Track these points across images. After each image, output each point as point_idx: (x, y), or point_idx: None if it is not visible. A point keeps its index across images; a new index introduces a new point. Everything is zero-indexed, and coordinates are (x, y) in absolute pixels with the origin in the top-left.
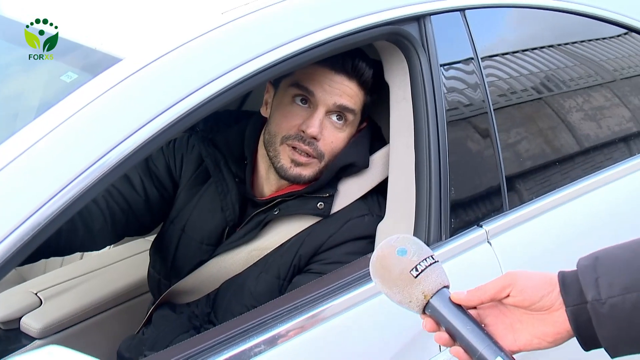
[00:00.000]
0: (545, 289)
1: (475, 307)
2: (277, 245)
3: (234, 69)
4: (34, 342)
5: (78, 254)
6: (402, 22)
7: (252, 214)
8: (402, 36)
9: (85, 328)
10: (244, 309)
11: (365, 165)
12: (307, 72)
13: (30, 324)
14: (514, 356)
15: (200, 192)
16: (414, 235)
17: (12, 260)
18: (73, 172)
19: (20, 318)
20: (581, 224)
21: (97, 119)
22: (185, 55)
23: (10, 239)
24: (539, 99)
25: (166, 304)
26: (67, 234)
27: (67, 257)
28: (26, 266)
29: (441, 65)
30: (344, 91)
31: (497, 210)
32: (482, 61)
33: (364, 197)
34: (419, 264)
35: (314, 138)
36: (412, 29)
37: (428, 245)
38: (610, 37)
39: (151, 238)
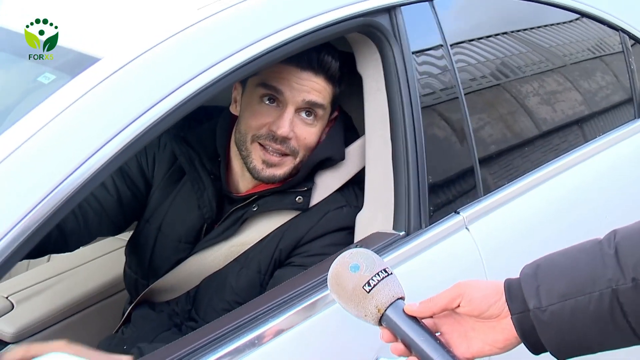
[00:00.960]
0: (492, 297)
1: (431, 317)
2: (257, 241)
3: (211, 67)
4: (7, 347)
5: (44, 258)
6: (374, 14)
7: (230, 211)
8: (374, 27)
9: (60, 330)
10: (226, 304)
11: (342, 158)
12: (273, 71)
13: (3, 328)
14: None
15: (175, 191)
16: (394, 225)
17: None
18: (58, 176)
19: None
20: (554, 206)
21: (80, 120)
22: (164, 53)
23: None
24: (505, 83)
25: (144, 303)
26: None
27: (33, 260)
28: None
29: (413, 54)
30: (312, 87)
31: (472, 196)
32: (451, 48)
33: (340, 189)
34: (372, 278)
35: (286, 137)
36: (383, 20)
37: (408, 234)
38: (565, 22)
39: (122, 236)
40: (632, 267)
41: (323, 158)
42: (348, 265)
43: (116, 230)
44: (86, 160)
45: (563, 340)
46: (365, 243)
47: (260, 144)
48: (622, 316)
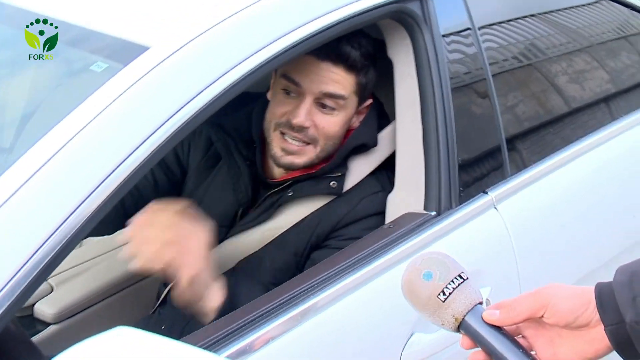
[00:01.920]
0: (580, 309)
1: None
2: (292, 224)
3: (254, 53)
4: (48, 328)
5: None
6: (405, 0)
7: (265, 196)
8: (406, 14)
9: (98, 311)
10: (262, 286)
11: (375, 144)
12: (294, 63)
13: (44, 310)
14: None
15: (211, 176)
16: (425, 205)
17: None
18: (115, 160)
19: (34, 305)
20: (582, 184)
21: (134, 105)
22: (210, 40)
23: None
24: (531, 63)
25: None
26: None
27: None
28: None
29: (442, 38)
30: (330, 78)
31: (500, 176)
32: (479, 31)
33: (374, 174)
34: (446, 287)
35: (302, 126)
36: (414, 6)
37: (439, 213)
38: (589, 4)
39: None
40: None
41: (358, 144)
42: (420, 274)
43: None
44: (139, 146)
45: None
46: (398, 223)
47: (281, 132)
48: None
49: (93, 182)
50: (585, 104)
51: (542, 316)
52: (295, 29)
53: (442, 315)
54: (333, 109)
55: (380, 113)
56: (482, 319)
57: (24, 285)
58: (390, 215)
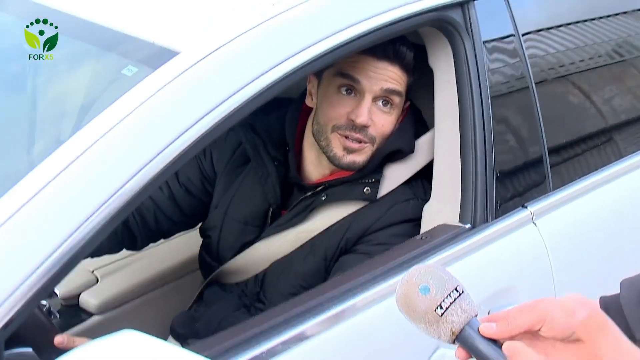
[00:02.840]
0: (575, 325)
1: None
2: (324, 228)
3: (286, 60)
4: (92, 318)
5: None
6: (447, 9)
7: (299, 199)
8: (447, 22)
9: (140, 304)
10: (292, 288)
11: (411, 150)
12: (350, 61)
13: (89, 300)
14: None
15: (241, 176)
16: (460, 217)
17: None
18: (141, 161)
19: (79, 295)
20: (625, 204)
21: (163, 109)
22: (239, 47)
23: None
24: (578, 73)
25: (216, 283)
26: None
27: None
28: None
29: (484, 45)
30: (388, 76)
31: (541, 190)
32: (523, 38)
33: (408, 182)
34: (443, 301)
35: (365, 126)
36: (456, 15)
37: (474, 226)
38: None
39: None
40: None
41: (393, 150)
42: (417, 287)
43: (181, 227)
44: (166, 148)
45: None
46: (431, 235)
47: (341, 134)
48: None
49: (120, 180)
50: (635, 118)
51: (539, 329)
52: (331, 35)
53: (439, 329)
54: (391, 107)
55: (418, 120)
56: (479, 331)
57: (49, 276)
58: (426, 225)
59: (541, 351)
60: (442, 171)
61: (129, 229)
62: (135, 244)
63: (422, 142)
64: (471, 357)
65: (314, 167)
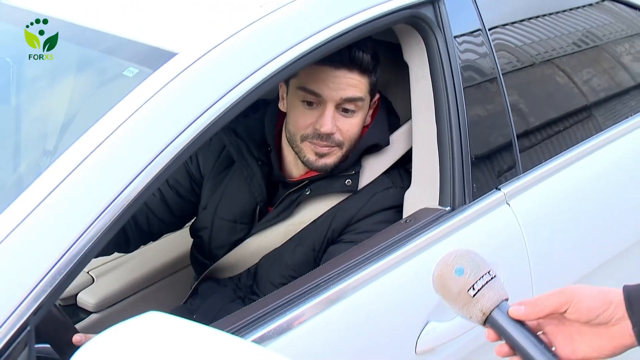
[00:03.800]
0: (602, 307)
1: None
2: (311, 221)
3: (271, 60)
4: (90, 316)
5: None
6: (419, 6)
7: (284, 195)
8: (420, 18)
9: (135, 301)
10: (283, 279)
11: (387, 143)
12: (310, 74)
13: (86, 299)
14: None
15: (228, 178)
16: (440, 201)
17: (106, 235)
18: (144, 160)
19: (76, 295)
20: (592, 182)
21: (163, 108)
22: (232, 47)
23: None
24: (541, 63)
25: (210, 278)
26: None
27: None
28: None
29: (455, 40)
30: (347, 83)
31: (512, 173)
32: (489, 32)
33: (387, 172)
34: (476, 282)
35: (329, 134)
36: (428, 12)
37: (453, 209)
38: (591, 5)
39: None
40: None
41: (370, 144)
42: (453, 269)
43: (170, 228)
44: (165, 148)
45: None
46: (414, 217)
47: (310, 142)
48: None
49: (126, 179)
50: (595, 103)
51: (565, 312)
52: (314, 35)
53: (470, 309)
54: (353, 112)
55: (390, 112)
56: (508, 314)
57: (64, 273)
58: (408, 210)
59: (566, 336)
60: (421, 159)
61: (123, 231)
62: (129, 247)
63: (397, 135)
64: (500, 338)
65: (294, 166)
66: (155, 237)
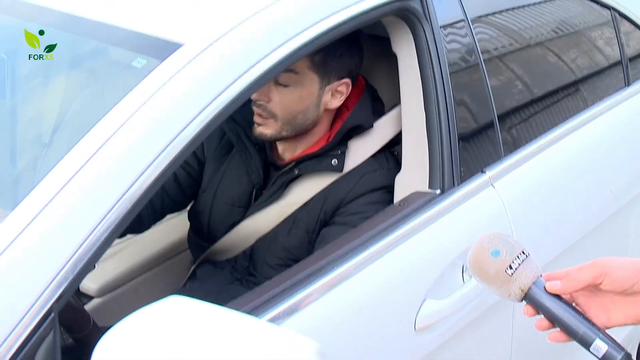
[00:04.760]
0: (636, 277)
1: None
2: (303, 203)
3: (268, 54)
4: (93, 300)
5: None
6: None
7: (275, 177)
8: (408, 10)
9: (136, 285)
10: (280, 260)
11: (370, 125)
12: None
13: (88, 285)
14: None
15: (226, 162)
16: (430, 184)
17: (123, 222)
18: (157, 149)
19: None
20: (572, 162)
21: (172, 98)
22: (234, 39)
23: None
24: (517, 51)
25: (207, 261)
26: None
27: None
28: None
29: (441, 34)
30: None
31: (495, 156)
32: (472, 23)
33: (373, 155)
34: (513, 262)
35: (260, 100)
36: (415, 3)
37: (443, 192)
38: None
39: None
40: None
41: (353, 125)
42: (489, 251)
43: (179, 207)
44: (175, 138)
45: None
46: (407, 201)
47: (254, 110)
48: None
49: (140, 167)
50: (571, 86)
51: (600, 284)
52: (307, 29)
53: (509, 288)
54: (287, 85)
55: (374, 98)
56: (545, 289)
57: (85, 261)
58: (399, 192)
59: (600, 306)
60: (410, 144)
61: (138, 214)
62: (141, 226)
63: (384, 120)
64: (538, 313)
65: (284, 150)
66: (163, 216)
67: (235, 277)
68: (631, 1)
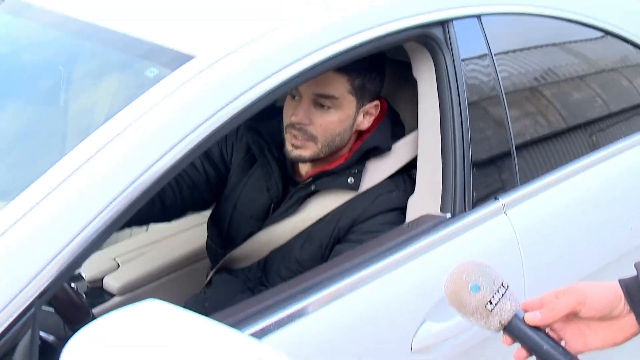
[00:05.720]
0: (614, 303)
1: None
2: (318, 218)
3: (287, 66)
4: (114, 298)
5: (144, 227)
6: (430, 26)
7: (293, 192)
8: (430, 38)
9: (156, 287)
10: (291, 273)
11: (388, 148)
12: None
13: (111, 283)
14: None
15: (248, 175)
16: (441, 207)
17: (115, 224)
18: (166, 146)
19: (103, 278)
20: (585, 195)
21: (181, 104)
22: (245, 55)
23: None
24: (540, 86)
25: (223, 269)
26: (146, 207)
27: (134, 230)
28: None
29: (462, 62)
30: (321, 80)
31: (510, 184)
32: (495, 56)
33: (391, 177)
34: (492, 297)
35: (300, 124)
36: (437, 32)
37: (454, 215)
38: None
39: (205, 213)
40: None
41: (371, 147)
42: (468, 285)
43: (204, 206)
44: (185, 137)
45: None
46: (416, 222)
47: (289, 133)
48: None
49: (137, 171)
50: (590, 123)
51: (579, 311)
52: (328, 45)
53: (488, 322)
54: (329, 107)
55: (395, 121)
56: (524, 321)
57: (70, 261)
58: (411, 214)
59: (575, 331)
60: (425, 168)
61: (162, 202)
62: (165, 216)
63: (403, 143)
64: (515, 341)
65: (303, 165)
66: (185, 212)
67: (247, 286)
68: None
